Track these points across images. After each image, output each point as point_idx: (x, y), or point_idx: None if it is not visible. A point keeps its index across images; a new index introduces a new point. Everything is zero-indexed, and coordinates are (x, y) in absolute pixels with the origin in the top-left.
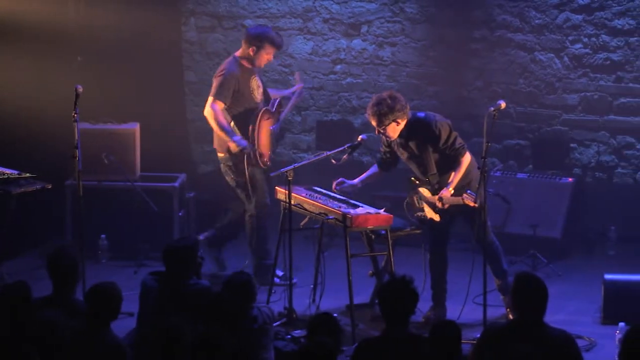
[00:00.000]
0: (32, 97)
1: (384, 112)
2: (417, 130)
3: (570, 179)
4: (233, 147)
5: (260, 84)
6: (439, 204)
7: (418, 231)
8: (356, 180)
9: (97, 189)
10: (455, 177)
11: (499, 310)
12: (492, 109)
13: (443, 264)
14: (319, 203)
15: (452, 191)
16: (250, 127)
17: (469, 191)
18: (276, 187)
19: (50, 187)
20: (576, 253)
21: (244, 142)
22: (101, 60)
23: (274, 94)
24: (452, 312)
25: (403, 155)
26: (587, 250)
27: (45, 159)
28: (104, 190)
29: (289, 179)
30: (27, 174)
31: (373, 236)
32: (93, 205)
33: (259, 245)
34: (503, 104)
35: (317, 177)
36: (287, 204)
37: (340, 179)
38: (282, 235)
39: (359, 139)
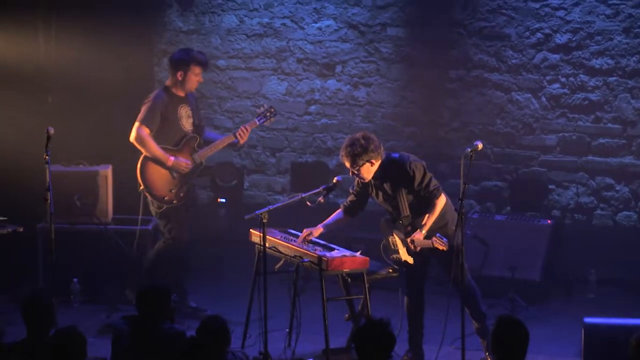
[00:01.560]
0: (2, 138)
1: (358, 153)
2: (391, 171)
3: (549, 221)
4: (175, 165)
5: (191, 115)
6: (410, 247)
7: (395, 274)
8: (320, 226)
9: (69, 232)
10: (428, 220)
11: (477, 354)
12: (469, 149)
13: (419, 306)
14: (294, 246)
15: (425, 233)
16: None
17: (438, 235)
18: (250, 230)
19: (21, 230)
20: (555, 296)
21: (182, 159)
22: (73, 100)
23: (210, 137)
24: (429, 355)
25: (378, 196)
26: (566, 293)
27: (16, 201)
28: (76, 233)
29: (264, 221)
30: None
31: (349, 279)
32: (65, 248)
33: (148, 271)
34: (480, 145)
35: (292, 220)
36: (262, 247)
37: (306, 232)
38: (257, 278)
39: (334, 181)
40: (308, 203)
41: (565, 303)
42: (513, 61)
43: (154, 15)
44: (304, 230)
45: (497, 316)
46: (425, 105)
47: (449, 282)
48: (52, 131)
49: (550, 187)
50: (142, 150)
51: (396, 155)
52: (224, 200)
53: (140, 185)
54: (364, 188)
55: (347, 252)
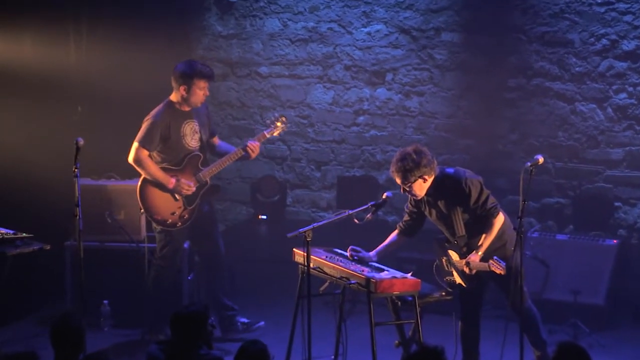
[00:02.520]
0: (30, 149)
1: (409, 168)
2: (445, 188)
3: (614, 241)
4: (177, 187)
5: (198, 130)
6: (465, 270)
7: (448, 297)
8: (373, 253)
9: (99, 251)
10: (485, 240)
11: None
12: (529, 164)
13: (475, 333)
14: (340, 266)
15: (481, 255)
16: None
17: (496, 257)
18: (294, 249)
19: (49, 248)
20: (622, 322)
21: (184, 181)
22: (104, 110)
23: (224, 148)
24: None
25: (431, 214)
26: (634, 319)
27: (43, 217)
28: (106, 252)
29: (308, 239)
30: (24, 234)
31: (399, 303)
32: (95, 268)
33: (157, 305)
34: (541, 159)
35: (338, 238)
36: (306, 267)
37: (353, 247)
38: (300, 301)
39: (383, 197)
40: (355, 221)
41: (632, 330)
42: (577, 69)
43: (192, 19)
44: (349, 250)
45: (558, 343)
46: (482, 116)
47: (507, 306)
48: (81, 142)
49: (616, 204)
50: (141, 172)
51: (451, 170)
52: (265, 217)
53: (140, 209)
54: (418, 206)
55: (398, 274)
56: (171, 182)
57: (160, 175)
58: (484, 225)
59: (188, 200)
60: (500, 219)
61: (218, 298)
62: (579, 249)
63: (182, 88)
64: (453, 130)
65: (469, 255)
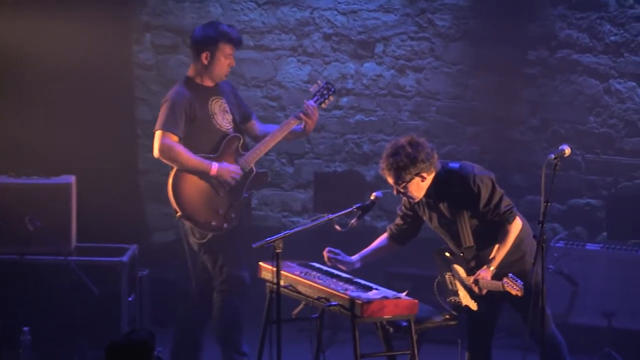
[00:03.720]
0: None
1: (403, 165)
2: (449, 187)
3: None
4: (221, 174)
5: (228, 109)
6: (474, 289)
7: (452, 322)
8: (355, 258)
9: (18, 265)
10: (498, 252)
11: None
12: (553, 156)
13: None
14: (318, 284)
15: (494, 271)
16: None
17: (511, 275)
18: (260, 263)
19: None
20: None
21: (228, 165)
22: (21, 93)
23: (262, 129)
24: None
25: (431, 220)
26: None
27: None
28: (27, 267)
29: (278, 251)
30: None
31: (391, 329)
32: (13, 286)
33: (229, 333)
34: (567, 150)
35: (315, 250)
36: (275, 286)
37: (330, 249)
38: (268, 327)
39: (372, 197)
40: (337, 227)
41: None
42: (612, 38)
43: None
44: (325, 252)
45: None
46: (495, 97)
47: (526, 333)
48: None
49: None
50: (172, 164)
51: (456, 165)
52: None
53: (177, 212)
54: (414, 209)
55: (389, 293)
56: (213, 167)
57: (197, 162)
58: (497, 233)
59: (233, 193)
60: (517, 226)
61: (236, 340)
62: (614, 262)
63: (204, 55)
64: (459, 114)
65: (479, 272)
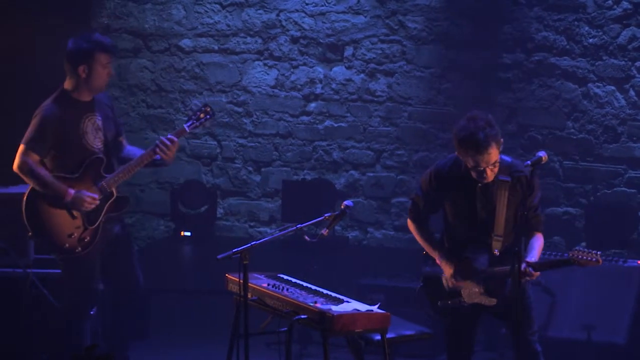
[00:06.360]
0: None
1: (499, 139)
2: (513, 175)
3: (639, 262)
4: (76, 201)
5: (100, 126)
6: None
7: (426, 336)
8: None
9: None
10: (539, 252)
11: None
12: (529, 163)
13: None
14: (287, 297)
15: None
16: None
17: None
18: (227, 275)
19: None
20: None
21: (84, 193)
22: None
23: (132, 153)
24: None
25: (470, 205)
26: None
27: None
28: None
29: (245, 262)
30: None
31: (363, 343)
32: None
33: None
34: (544, 157)
35: (283, 261)
36: (242, 298)
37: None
38: (235, 341)
39: (342, 207)
40: (306, 238)
41: None
42: (590, 40)
43: None
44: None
45: None
46: (469, 101)
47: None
48: None
49: None
50: (29, 182)
51: (508, 158)
52: (189, 233)
53: (27, 231)
54: (439, 197)
55: (361, 305)
56: (68, 194)
57: (54, 186)
58: (522, 232)
59: (89, 218)
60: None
61: (125, 343)
62: (593, 273)
63: (81, 69)
64: (432, 120)
65: (526, 259)
